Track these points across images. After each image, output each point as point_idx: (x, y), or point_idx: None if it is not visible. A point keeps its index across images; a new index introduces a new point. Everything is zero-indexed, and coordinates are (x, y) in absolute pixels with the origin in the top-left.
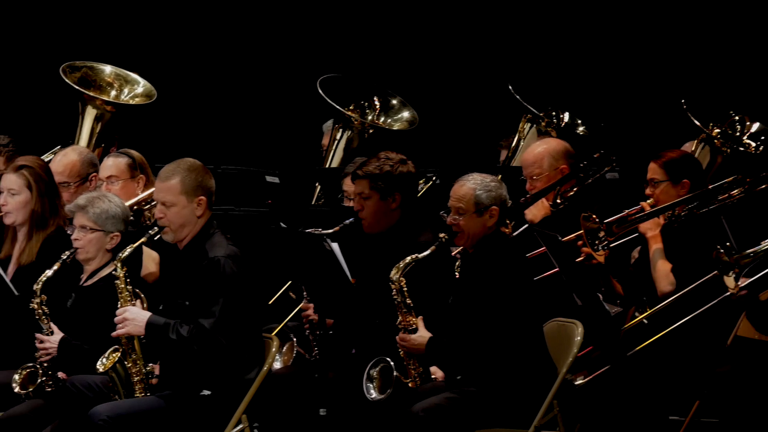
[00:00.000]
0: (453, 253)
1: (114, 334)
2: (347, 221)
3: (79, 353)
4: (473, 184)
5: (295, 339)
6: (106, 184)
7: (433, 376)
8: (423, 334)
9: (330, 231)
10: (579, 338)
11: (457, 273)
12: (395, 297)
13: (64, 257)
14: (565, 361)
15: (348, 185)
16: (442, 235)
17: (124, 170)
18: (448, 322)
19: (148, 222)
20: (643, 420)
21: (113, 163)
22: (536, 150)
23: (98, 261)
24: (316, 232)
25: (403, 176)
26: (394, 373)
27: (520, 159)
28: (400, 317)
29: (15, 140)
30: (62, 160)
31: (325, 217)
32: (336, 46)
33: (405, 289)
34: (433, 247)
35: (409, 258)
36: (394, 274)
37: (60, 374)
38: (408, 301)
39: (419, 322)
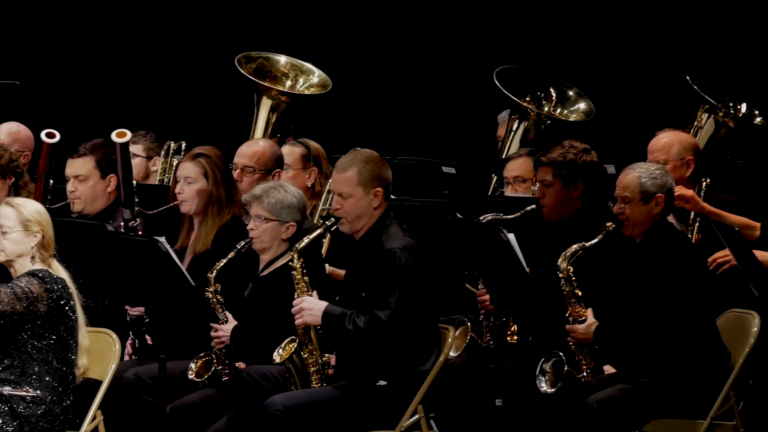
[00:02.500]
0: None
1: (295, 323)
2: (528, 207)
3: (250, 342)
4: (638, 173)
5: (469, 324)
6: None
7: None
8: (591, 323)
9: (511, 217)
10: (756, 329)
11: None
12: (563, 287)
13: (239, 246)
14: (741, 351)
15: (509, 170)
16: (609, 224)
17: (297, 159)
18: (618, 311)
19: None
20: None
21: (288, 152)
22: (666, 138)
23: (274, 251)
24: (496, 218)
25: (587, 165)
26: (566, 368)
27: (649, 146)
28: (569, 308)
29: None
30: (252, 147)
31: (501, 208)
32: (512, 38)
33: (573, 278)
34: (600, 236)
35: (575, 246)
36: (561, 262)
37: (239, 364)
38: (577, 291)
39: (588, 313)
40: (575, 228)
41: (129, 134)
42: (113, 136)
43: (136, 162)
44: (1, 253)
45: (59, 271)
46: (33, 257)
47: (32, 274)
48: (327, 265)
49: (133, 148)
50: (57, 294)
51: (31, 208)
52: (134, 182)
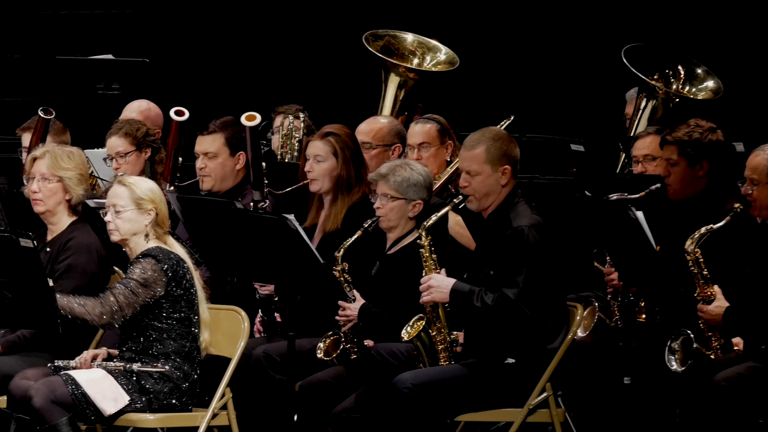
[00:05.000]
0: None
1: (422, 300)
2: (653, 187)
3: (378, 321)
4: (766, 154)
5: (597, 304)
6: (417, 151)
7: (735, 348)
8: (720, 304)
9: (636, 196)
10: None
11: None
12: (692, 268)
13: (366, 225)
14: None
15: (638, 149)
16: (737, 205)
17: (435, 137)
18: (747, 291)
19: (451, 191)
20: None
21: (422, 130)
22: None
23: (401, 229)
24: (622, 198)
25: (712, 144)
26: (695, 345)
27: None
28: (698, 288)
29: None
30: (370, 123)
31: (629, 185)
32: (641, 15)
33: (701, 260)
34: (728, 218)
35: (704, 228)
36: (689, 245)
37: (367, 342)
38: (705, 272)
39: (718, 292)
40: (700, 207)
41: (258, 117)
42: (243, 119)
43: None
44: (116, 233)
45: (174, 247)
46: (147, 235)
47: (146, 254)
48: None
49: (295, 123)
50: (173, 271)
51: (144, 186)
52: (263, 164)
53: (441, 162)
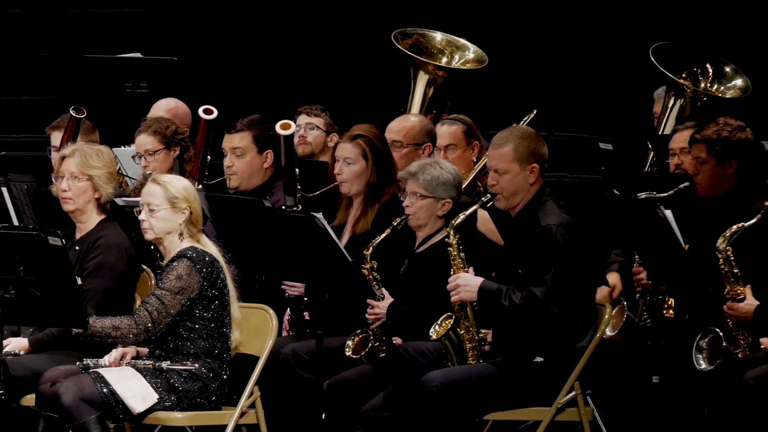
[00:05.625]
0: None
1: (451, 299)
2: (682, 185)
3: (407, 319)
4: None
5: (625, 303)
6: (444, 153)
7: (762, 347)
8: (751, 302)
9: (664, 195)
10: None
11: None
12: (722, 266)
13: (395, 224)
14: None
15: (676, 142)
16: (767, 202)
17: (461, 138)
18: None
19: (480, 189)
20: None
21: (448, 131)
22: None
23: (430, 227)
24: (650, 196)
25: (741, 143)
26: (723, 344)
27: None
28: (727, 287)
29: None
30: (401, 122)
31: (658, 184)
32: (669, 14)
33: (732, 258)
34: (759, 216)
35: (735, 227)
36: (721, 243)
37: (395, 340)
38: (735, 270)
39: (747, 291)
40: (729, 205)
41: (294, 126)
42: (278, 127)
43: (315, 134)
44: (150, 232)
45: (208, 245)
46: (181, 234)
47: (181, 255)
48: None
49: (314, 120)
50: (207, 272)
51: (178, 184)
52: (296, 171)
53: (468, 163)
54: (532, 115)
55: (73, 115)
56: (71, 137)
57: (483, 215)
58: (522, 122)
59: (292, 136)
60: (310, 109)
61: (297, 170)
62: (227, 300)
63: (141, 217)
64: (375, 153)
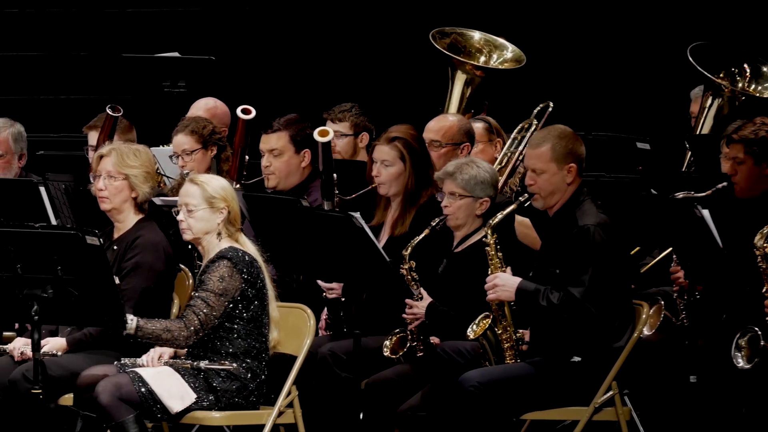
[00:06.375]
0: None
1: (488, 299)
2: (720, 185)
3: (445, 319)
4: None
5: (663, 302)
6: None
7: None
8: None
9: (702, 195)
10: None
11: None
12: (760, 263)
13: (434, 224)
14: None
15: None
16: None
17: (482, 134)
18: None
19: (517, 189)
20: None
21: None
22: None
23: (468, 227)
24: (688, 196)
25: None
26: (762, 343)
27: None
28: (765, 285)
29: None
30: (440, 121)
31: (696, 184)
32: (707, 13)
33: None
34: None
35: None
36: (759, 239)
37: (433, 339)
38: None
39: None
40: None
41: (332, 133)
42: (316, 135)
43: (342, 142)
44: (188, 232)
45: (246, 245)
46: (219, 234)
47: (221, 256)
48: None
49: (339, 126)
50: (248, 273)
51: (216, 184)
52: (334, 176)
53: (489, 158)
54: (550, 110)
55: (110, 113)
56: (107, 136)
57: (520, 220)
58: (536, 113)
59: (329, 143)
60: (334, 114)
61: (335, 175)
62: (266, 300)
63: (179, 217)
64: (412, 155)
